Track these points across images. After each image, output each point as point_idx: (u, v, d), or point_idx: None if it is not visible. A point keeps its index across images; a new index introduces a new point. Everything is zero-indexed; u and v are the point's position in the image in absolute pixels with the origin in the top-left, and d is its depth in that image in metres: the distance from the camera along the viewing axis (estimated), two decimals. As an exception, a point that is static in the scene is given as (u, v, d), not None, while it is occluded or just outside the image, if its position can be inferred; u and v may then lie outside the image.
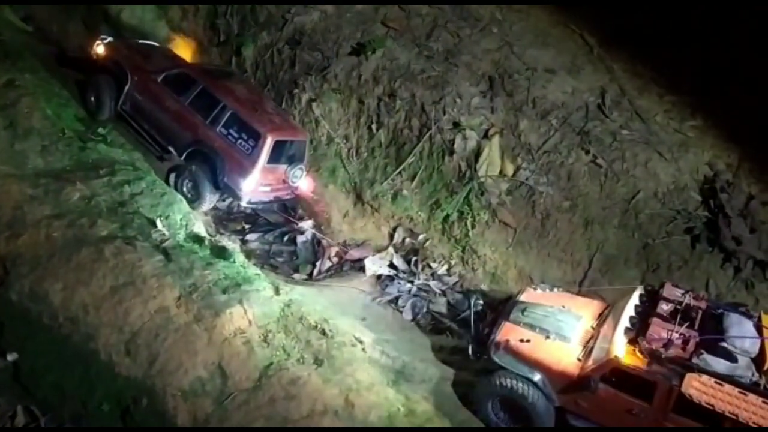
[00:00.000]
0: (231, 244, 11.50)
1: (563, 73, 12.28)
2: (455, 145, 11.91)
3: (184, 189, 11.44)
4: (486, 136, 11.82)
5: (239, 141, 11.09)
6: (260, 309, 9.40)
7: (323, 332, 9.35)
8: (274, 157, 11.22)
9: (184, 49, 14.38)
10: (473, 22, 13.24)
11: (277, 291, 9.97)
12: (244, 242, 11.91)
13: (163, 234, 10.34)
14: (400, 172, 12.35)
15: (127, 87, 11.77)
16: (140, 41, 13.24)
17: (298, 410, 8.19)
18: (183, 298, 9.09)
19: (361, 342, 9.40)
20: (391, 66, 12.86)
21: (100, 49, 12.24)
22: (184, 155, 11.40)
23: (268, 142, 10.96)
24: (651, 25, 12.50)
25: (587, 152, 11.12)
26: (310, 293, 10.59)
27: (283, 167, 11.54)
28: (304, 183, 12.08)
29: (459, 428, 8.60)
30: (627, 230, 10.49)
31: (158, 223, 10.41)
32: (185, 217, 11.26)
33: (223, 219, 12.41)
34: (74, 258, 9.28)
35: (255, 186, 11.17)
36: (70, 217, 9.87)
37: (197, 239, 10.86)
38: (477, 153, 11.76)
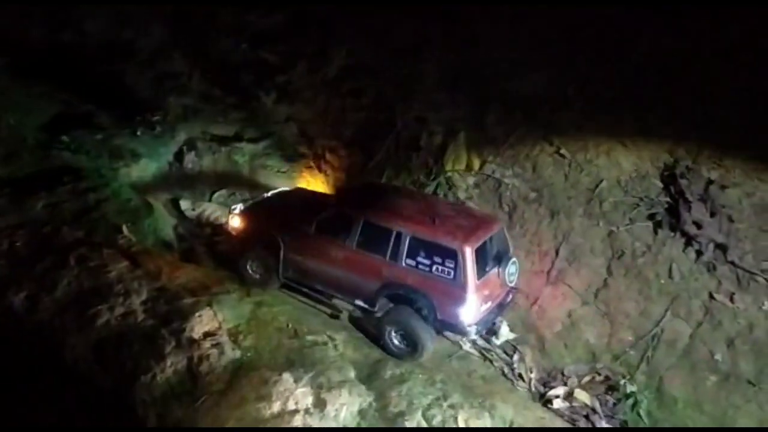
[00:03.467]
0: (200, 247, 11.48)
1: (526, 66, 12.38)
2: (422, 141, 12.00)
3: (395, 342, 9.31)
4: (452, 131, 11.91)
5: (434, 266, 8.97)
6: (230, 311, 9.38)
7: (295, 332, 9.34)
8: (482, 266, 9.08)
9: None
10: (438, 19, 13.31)
11: (247, 292, 9.97)
12: (212, 245, 11.87)
13: (130, 239, 10.31)
14: (368, 170, 12.39)
15: (282, 253, 9.93)
16: (268, 194, 11.47)
17: (269, 410, 8.18)
18: (150, 303, 9.06)
19: (333, 339, 9.39)
20: (356, 64, 12.90)
21: (234, 222, 10.53)
22: (377, 305, 9.44)
23: (469, 255, 8.81)
24: (613, 16, 12.64)
25: (551, 143, 11.25)
26: (281, 293, 10.57)
27: (494, 271, 9.40)
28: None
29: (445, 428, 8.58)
30: (592, 219, 10.61)
31: (124, 228, 10.38)
32: (153, 223, 11.24)
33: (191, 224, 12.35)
34: (38, 266, 9.22)
35: (476, 312, 9.04)
36: (34, 226, 9.81)
37: (166, 244, 10.84)
38: (443, 148, 11.84)
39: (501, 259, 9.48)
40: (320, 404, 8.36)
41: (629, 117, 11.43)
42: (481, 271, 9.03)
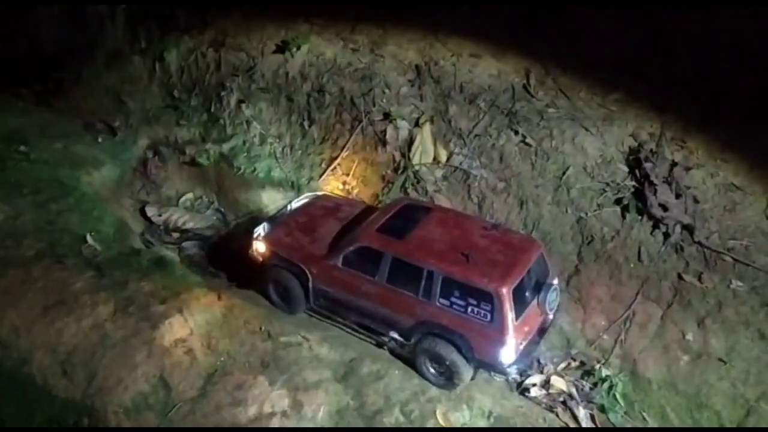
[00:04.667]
0: (169, 253, 11.32)
1: (488, 56, 12.36)
2: (387, 136, 11.91)
3: (431, 371, 9.01)
4: (417, 124, 11.86)
5: (470, 308, 8.51)
6: (202, 316, 9.28)
7: (268, 334, 9.26)
8: (520, 304, 8.61)
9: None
10: (397, 12, 13.25)
11: (218, 296, 9.85)
12: (181, 250, 11.70)
13: (95, 249, 10.12)
14: (335, 168, 12.31)
15: (310, 283, 9.61)
16: (293, 206, 10.87)
17: (245, 414, 8.12)
18: (118, 313, 8.93)
19: (307, 339, 9.32)
20: (318, 61, 12.80)
21: (260, 247, 10.10)
22: (413, 340, 9.09)
23: (506, 298, 8.34)
24: (571, 6, 12.70)
25: (516, 132, 11.24)
26: (253, 296, 10.47)
27: (533, 303, 8.95)
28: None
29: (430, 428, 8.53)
30: (560, 206, 10.65)
31: (88, 238, 10.18)
32: (119, 230, 11.04)
33: (158, 230, 12.15)
34: (1, 281, 9.01)
35: (515, 352, 8.61)
36: (-5, 240, 9.58)
37: (133, 251, 10.65)
38: (410, 142, 11.78)
39: (540, 287, 9.00)
40: (297, 406, 8.33)
41: (591, 102, 11.50)
42: (520, 309, 8.56)
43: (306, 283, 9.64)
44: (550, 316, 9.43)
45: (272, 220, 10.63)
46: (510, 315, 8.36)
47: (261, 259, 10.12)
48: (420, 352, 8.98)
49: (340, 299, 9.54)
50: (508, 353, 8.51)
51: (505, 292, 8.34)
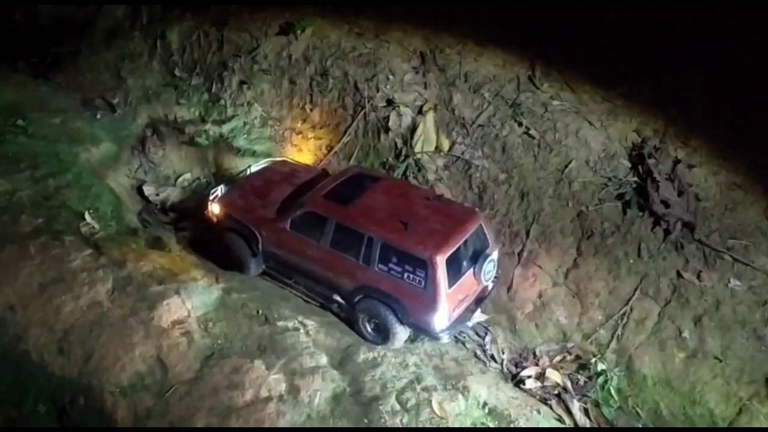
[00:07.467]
0: (167, 233, 11.24)
1: (494, 46, 12.30)
2: (390, 123, 11.85)
3: (369, 330, 9.45)
4: (420, 112, 11.79)
5: (406, 274, 8.84)
6: (199, 298, 9.23)
7: (266, 318, 9.24)
8: (455, 273, 8.90)
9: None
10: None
11: (216, 279, 9.80)
12: (178, 231, 11.63)
13: (93, 227, 10.04)
14: (336, 153, 12.23)
15: (260, 245, 10.01)
16: (251, 171, 11.19)
17: (242, 398, 8.09)
18: (116, 292, 8.87)
19: (304, 325, 9.31)
20: (322, 45, 12.70)
21: (215, 208, 10.44)
22: (353, 302, 9.47)
23: (439, 266, 8.61)
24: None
25: (520, 124, 11.21)
26: (250, 280, 10.43)
27: (469, 272, 9.24)
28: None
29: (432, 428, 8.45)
30: (561, 199, 10.64)
31: (87, 215, 10.09)
32: (117, 209, 10.95)
33: (155, 210, 12.06)
34: (-3, 257, 8.93)
35: (447, 318, 8.98)
36: (-9, 215, 9.48)
37: (130, 230, 10.58)
38: (412, 129, 11.72)
39: (477, 257, 9.28)
40: (293, 391, 8.31)
41: (596, 96, 11.46)
42: (454, 278, 8.88)
43: (256, 245, 10.01)
44: (489, 286, 9.79)
45: (230, 182, 10.94)
46: (443, 282, 8.69)
47: (215, 220, 10.49)
48: (359, 312, 9.41)
49: (287, 261, 9.93)
50: (440, 319, 8.89)
51: (439, 260, 8.64)
